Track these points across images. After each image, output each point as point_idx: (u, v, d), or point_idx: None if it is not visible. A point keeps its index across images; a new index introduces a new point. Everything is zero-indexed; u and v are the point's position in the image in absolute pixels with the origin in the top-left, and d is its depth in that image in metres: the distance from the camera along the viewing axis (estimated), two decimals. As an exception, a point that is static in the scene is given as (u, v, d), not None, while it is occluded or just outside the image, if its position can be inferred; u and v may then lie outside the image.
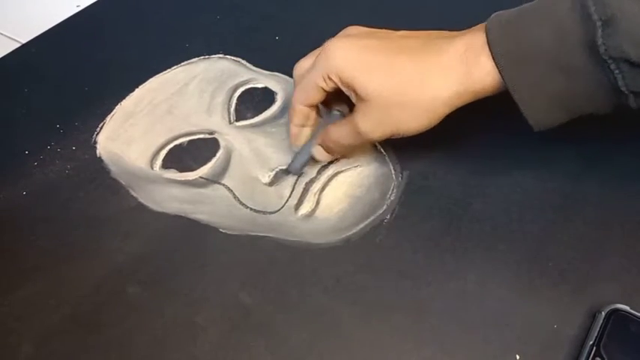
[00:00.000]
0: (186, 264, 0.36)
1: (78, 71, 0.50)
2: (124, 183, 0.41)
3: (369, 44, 0.35)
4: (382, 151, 0.41)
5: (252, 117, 0.45)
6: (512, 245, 0.36)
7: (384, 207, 0.38)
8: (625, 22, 0.28)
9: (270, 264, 0.36)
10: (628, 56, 0.28)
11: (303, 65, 0.39)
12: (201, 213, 0.39)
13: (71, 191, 0.41)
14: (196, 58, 0.50)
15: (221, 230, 0.38)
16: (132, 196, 0.40)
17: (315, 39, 0.51)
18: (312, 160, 0.40)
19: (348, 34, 0.38)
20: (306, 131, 0.39)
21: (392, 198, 0.39)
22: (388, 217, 0.38)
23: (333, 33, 0.51)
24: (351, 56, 0.34)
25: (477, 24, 0.34)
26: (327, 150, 0.38)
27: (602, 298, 0.32)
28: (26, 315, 0.34)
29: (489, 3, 0.51)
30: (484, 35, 0.32)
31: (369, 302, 0.34)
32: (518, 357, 0.31)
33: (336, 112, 0.39)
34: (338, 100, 0.38)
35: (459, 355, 0.31)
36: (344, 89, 0.35)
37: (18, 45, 0.54)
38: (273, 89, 0.47)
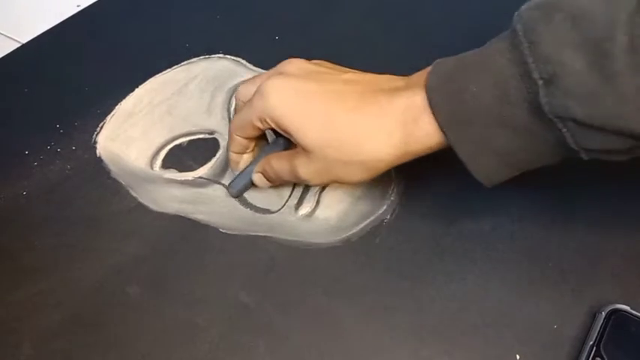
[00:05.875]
0: (186, 264, 0.36)
1: (78, 71, 0.50)
2: (123, 183, 0.41)
3: (306, 88, 0.33)
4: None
5: (252, 117, 0.45)
6: (512, 245, 0.36)
7: (384, 207, 0.38)
8: (568, 80, 0.26)
9: (270, 264, 0.36)
10: (574, 116, 0.26)
11: (245, 92, 0.37)
12: (201, 213, 0.39)
13: (71, 191, 0.41)
14: (196, 58, 0.50)
15: (221, 230, 0.38)
16: (132, 196, 0.40)
17: (315, 39, 0.51)
18: (253, 184, 0.39)
19: (287, 72, 0.36)
20: (247, 157, 0.39)
21: (392, 198, 0.39)
22: (388, 217, 0.38)
23: (332, 33, 0.52)
24: (287, 101, 0.33)
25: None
26: (268, 179, 0.37)
27: (602, 298, 0.32)
28: (26, 315, 0.34)
29: (486, 1, 0.51)
30: (424, 93, 0.30)
31: (369, 302, 0.34)
32: (518, 357, 0.31)
33: (280, 141, 0.37)
34: None
35: (459, 355, 0.31)
36: (281, 132, 0.34)
37: (18, 45, 0.54)
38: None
